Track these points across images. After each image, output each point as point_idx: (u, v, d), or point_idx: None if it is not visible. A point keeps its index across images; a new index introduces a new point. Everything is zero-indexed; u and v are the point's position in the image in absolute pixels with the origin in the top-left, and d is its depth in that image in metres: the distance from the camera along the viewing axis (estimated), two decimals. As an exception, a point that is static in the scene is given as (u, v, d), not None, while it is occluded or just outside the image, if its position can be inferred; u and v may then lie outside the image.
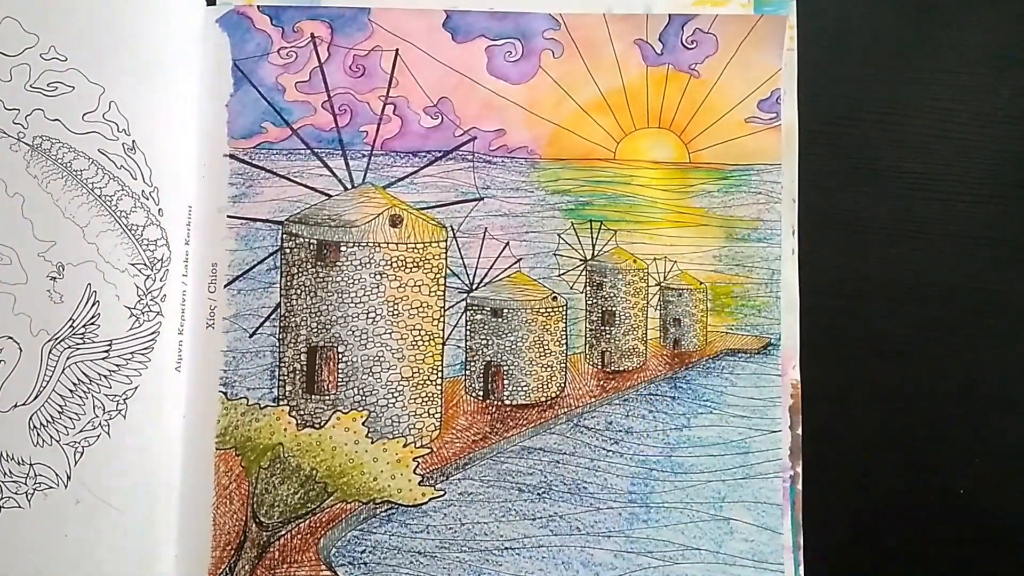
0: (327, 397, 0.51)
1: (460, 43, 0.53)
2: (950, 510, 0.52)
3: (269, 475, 0.50)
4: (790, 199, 0.53)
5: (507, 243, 0.53)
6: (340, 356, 0.51)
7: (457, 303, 0.53)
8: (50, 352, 0.49)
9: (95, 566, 0.48)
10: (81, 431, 0.49)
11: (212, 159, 0.52)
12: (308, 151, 0.52)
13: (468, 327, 0.53)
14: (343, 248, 0.51)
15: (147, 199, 0.50)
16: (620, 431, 0.51)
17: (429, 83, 0.53)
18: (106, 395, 0.49)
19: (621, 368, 0.54)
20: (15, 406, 0.48)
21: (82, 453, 0.49)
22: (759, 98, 0.53)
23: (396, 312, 0.52)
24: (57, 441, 0.49)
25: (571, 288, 0.53)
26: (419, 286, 0.52)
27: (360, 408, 0.51)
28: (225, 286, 0.51)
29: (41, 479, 0.48)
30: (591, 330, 0.54)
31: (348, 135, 0.52)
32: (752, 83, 0.53)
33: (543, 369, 0.53)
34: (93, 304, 0.49)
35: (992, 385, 0.53)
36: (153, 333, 0.50)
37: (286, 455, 0.50)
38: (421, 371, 0.52)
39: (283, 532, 0.50)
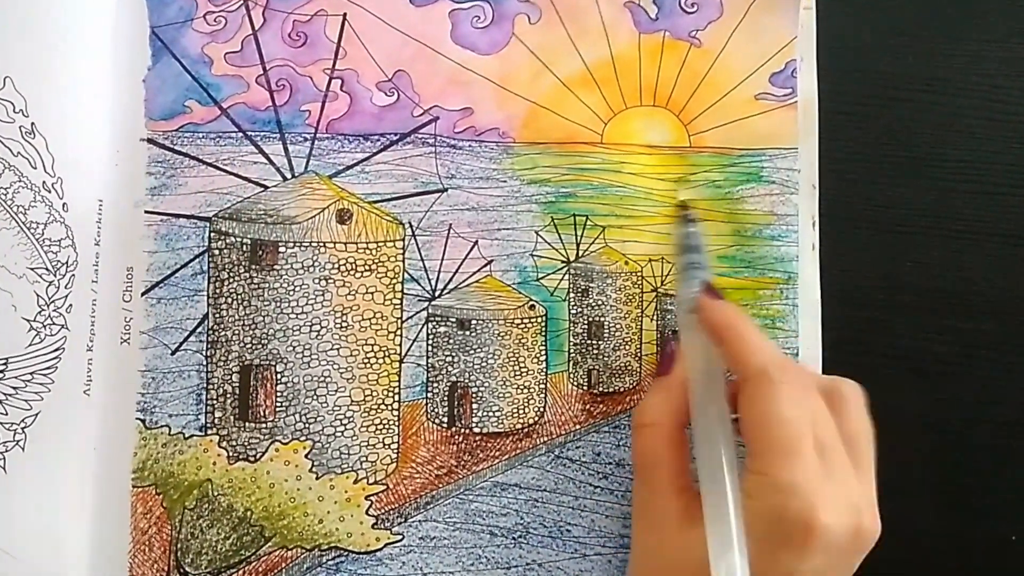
0: (264, 425, 0.50)
1: (419, 6, 0.52)
2: (1001, 560, 0.52)
3: (195, 517, 0.49)
4: (809, 190, 0.52)
5: (476, 242, 0.52)
6: (279, 377, 0.51)
7: (417, 313, 0.52)
8: (-66, 373, 0.49)
9: (-13, 626, 0.47)
10: (-28, 466, 0.48)
11: (126, 144, 0.51)
12: (240, 134, 0.51)
13: (430, 342, 0.52)
14: (282, 249, 0.51)
15: (49, 192, 0.50)
16: (610, 463, 0.51)
17: (383, 54, 0.52)
18: (1, 423, 0.49)
19: (611, 389, 0.53)
20: None
21: (-28, 492, 0.48)
22: (772, 71, 0.52)
23: (345, 324, 0.51)
24: (-58, 478, 0.48)
25: (552, 295, 0.53)
26: (372, 293, 0.51)
27: (303, 438, 0.50)
28: (143, 294, 0.51)
29: (-78, 523, 0.48)
30: (576, 344, 0.53)
31: (287, 115, 0.52)
32: (763, 53, 0.52)
33: (518, 391, 0.52)
34: (-15, 316, 0.49)
35: (1052, 412, 0.53)
36: (57, 350, 0.49)
37: (215, 493, 0.50)
38: (375, 394, 0.51)
39: (212, 584, 0.49)
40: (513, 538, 0.50)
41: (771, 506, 0.38)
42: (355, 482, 0.50)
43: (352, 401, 0.51)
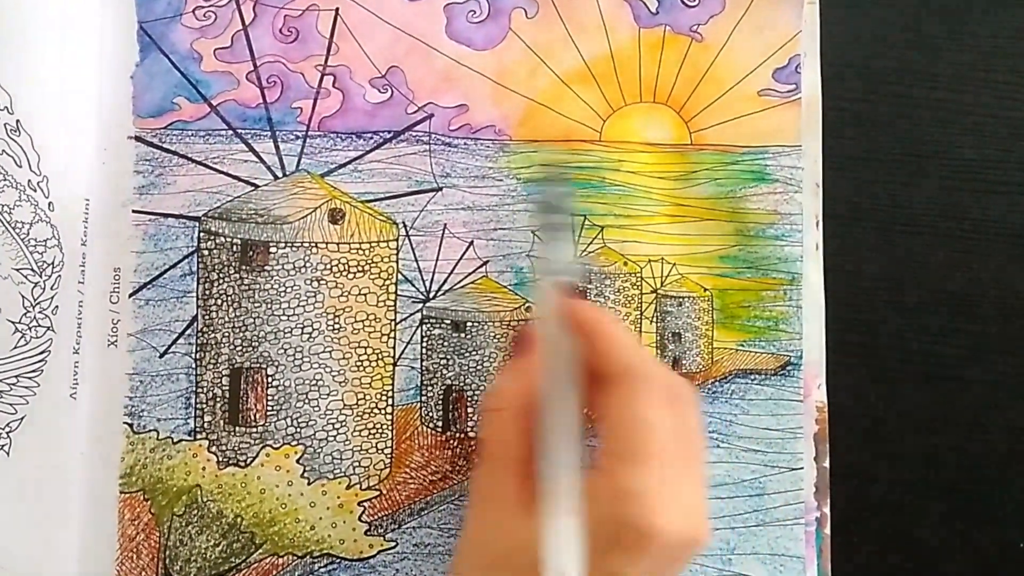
0: (254, 429, 0.50)
1: (414, 0, 0.52)
2: (1009, 567, 0.51)
3: (184, 523, 0.49)
4: (813, 188, 0.52)
5: (471, 242, 0.51)
6: (269, 380, 0.50)
7: (411, 315, 0.51)
8: (-84, 376, 0.48)
9: (-30, 636, 0.47)
10: (-45, 471, 0.48)
11: (114, 142, 0.50)
12: (230, 132, 0.51)
13: (424, 344, 0.51)
14: (273, 249, 0.50)
15: (35, 191, 0.49)
16: None
17: (376, 49, 0.51)
18: (-15, 428, 0.48)
19: None
20: None
21: (-44, 498, 0.48)
22: (775, 66, 0.52)
23: (337, 326, 0.50)
24: (-75, 484, 0.48)
25: None
26: (365, 295, 0.51)
27: (294, 442, 0.50)
28: (130, 296, 0.50)
29: (-96, 531, 0.47)
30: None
31: (278, 112, 0.51)
32: (766, 48, 0.52)
33: None
34: (-32, 318, 0.48)
35: (1060, 416, 0.52)
36: (43, 352, 0.49)
37: (205, 499, 0.49)
38: (367, 397, 0.51)
39: (201, 592, 0.49)
40: (509, 545, 0.50)
41: (611, 508, 0.38)
42: (348, 488, 0.50)
43: (344, 405, 0.50)
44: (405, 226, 0.51)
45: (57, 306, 0.49)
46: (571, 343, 0.42)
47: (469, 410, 0.51)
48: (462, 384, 0.51)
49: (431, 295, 0.51)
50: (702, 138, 0.52)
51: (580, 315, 0.42)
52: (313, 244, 0.50)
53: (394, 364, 0.51)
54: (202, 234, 0.50)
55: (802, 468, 0.50)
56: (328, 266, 0.50)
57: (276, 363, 0.50)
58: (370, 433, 0.51)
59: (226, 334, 0.50)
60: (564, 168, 0.50)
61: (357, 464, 0.50)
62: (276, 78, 0.51)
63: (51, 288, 0.49)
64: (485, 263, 0.51)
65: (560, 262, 0.43)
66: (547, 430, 0.40)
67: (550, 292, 0.43)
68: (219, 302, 0.50)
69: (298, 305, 0.50)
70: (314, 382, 0.50)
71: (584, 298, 0.52)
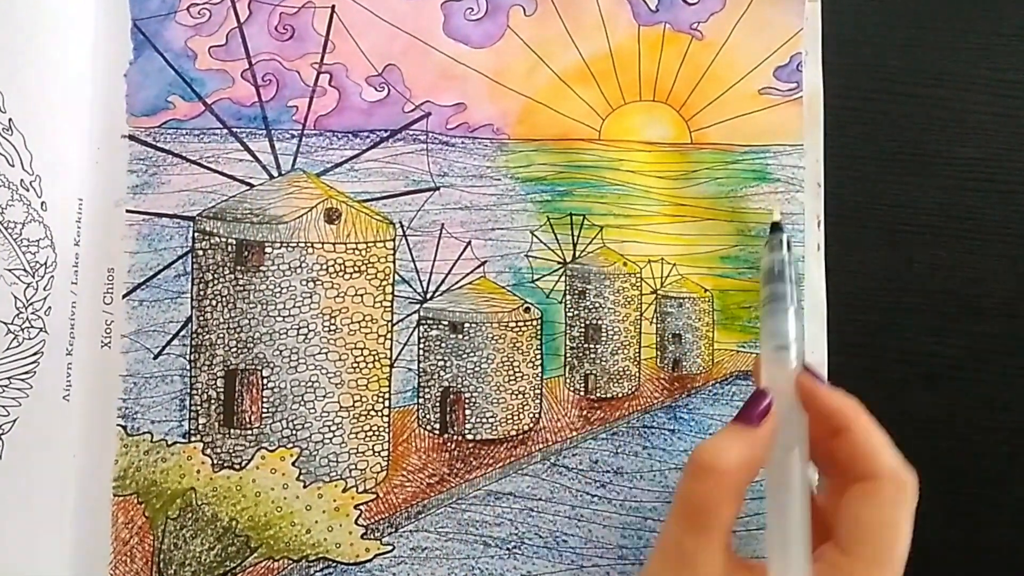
0: (249, 432, 0.50)
1: None
2: (1010, 571, 0.51)
3: (179, 527, 0.49)
4: (814, 188, 0.52)
5: (469, 242, 0.51)
6: (265, 381, 0.50)
7: (408, 316, 0.51)
8: (-93, 378, 0.48)
9: (-39, 641, 0.47)
10: (-54, 475, 0.47)
11: (107, 141, 0.50)
12: (225, 131, 0.51)
13: (421, 345, 0.51)
14: (268, 249, 0.50)
15: (27, 190, 0.49)
16: (608, 471, 0.50)
17: (373, 47, 0.51)
18: (-23, 430, 0.48)
19: (609, 395, 0.52)
20: None
21: (-53, 501, 0.47)
22: (776, 64, 0.52)
23: (333, 327, 0.50)
24: (-84, 487, 0.47)
25: (547, 297, 0.52)
26: (361, 295, 0.50)
27: (290, 445, 0.50)
28: (124, 296, 0.50)
29: None
30: (572, 348, 0.52)
31: (274, 111, 0.51)
32: (768, 46, 0.52)
33: (513, 396, 0.51)
34: (-40, 319, 0.48)
35: (1063, 418, 0.52)
36: (35, 354, 0.48)
37: (199, 502, 0.49)
38: (364, 399, 0.50)
39: (195, 596, 0.49)
40: (507, 549, 0.49)
41: None
42: (344, 491, 0.49)
43: (341, 407, 0.50)
44: (402, 226, 0.51)
45: (50, 307, 0.49)
46: (806, 423, 0.41)
47: (467, 412, 0.51)
48: (460, 386, 0.51)
49: (428, 296, 0.51)
50: (702, 137, 0.52)
51: (831, 404, 0.41)
52: (309, 244, 0.50)
53: (391, 365, 0.51)
54: (197, 234, 0.50)
55: (803, 471, 0.50)
56: (324, 266, 0.50)
57: (272, 365, 0.50)
58: (367, 435, 0.50)
59: (221, 335, 0.50)
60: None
61: (354, 467, 0.50)
62: (271, 76, 0.51)
63: (44, 289, 0.49)
64: (483, 263, 0.51)
65: (787, 335, 0.42)
66: (779, 513, 0.40)
67: (787, 369, 0.42)
68: (214, 303, 0.50)
69: (294, 306, 0.50)
70: (310, 384, 0.50)
71: (583, 299, 0.52)
